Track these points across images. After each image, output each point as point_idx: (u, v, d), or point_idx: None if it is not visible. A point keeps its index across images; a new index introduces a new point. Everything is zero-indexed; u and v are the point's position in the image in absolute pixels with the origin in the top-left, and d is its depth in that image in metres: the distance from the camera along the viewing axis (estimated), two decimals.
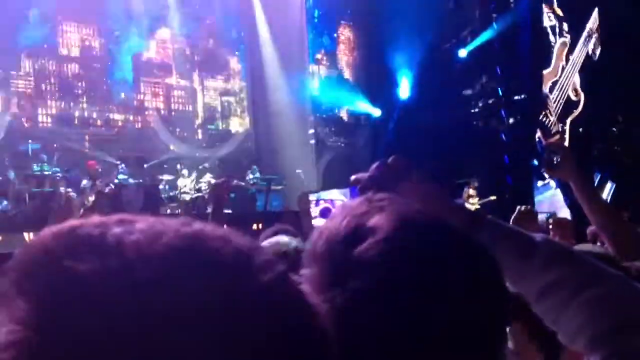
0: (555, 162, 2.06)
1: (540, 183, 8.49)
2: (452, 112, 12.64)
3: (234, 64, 15.92)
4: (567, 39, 8.91)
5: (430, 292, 0.67)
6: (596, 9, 8.34)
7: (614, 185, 8.51)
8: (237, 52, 15.90)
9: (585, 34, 8.41)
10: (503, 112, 13.31)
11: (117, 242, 0.41)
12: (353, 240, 0.69)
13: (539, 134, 9.61)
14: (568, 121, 8.75)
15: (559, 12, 9.15)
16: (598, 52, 8.28)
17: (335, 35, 16.57)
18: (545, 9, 9.41)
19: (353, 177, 0.99)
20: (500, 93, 13.36)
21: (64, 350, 0.38)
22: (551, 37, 9.35)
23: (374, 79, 15.42)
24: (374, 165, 0.98)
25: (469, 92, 12.64)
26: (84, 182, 10.50)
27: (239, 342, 0.40)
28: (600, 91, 8.60)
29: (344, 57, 16.66)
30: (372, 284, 0.66)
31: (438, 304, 0.67)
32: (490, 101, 13.43)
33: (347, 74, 16.59)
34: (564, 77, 8.83)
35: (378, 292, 0.66)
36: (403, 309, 0.66)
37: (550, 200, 9.34)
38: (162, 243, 0.42)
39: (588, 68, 8.57)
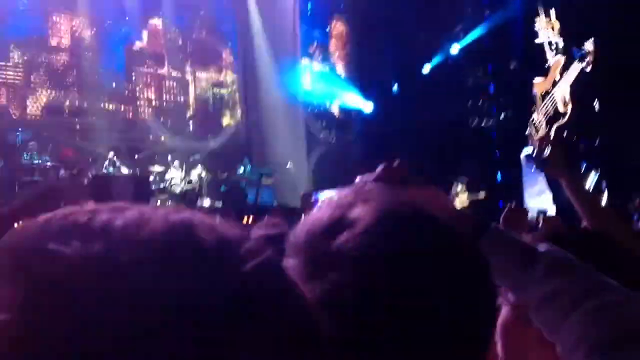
0: (545, 158, 2.07)
1: (534, 168, 8.55)
2: (443, 108, 12.65)
3: (226, 55, 15.87)
4: (563, 57, 9.07)
5: (408, 287, 0.66)
6: (592, 39, 8.55)
7: (598, 175, 8.67)
8: (229, 44, 15.84)
9: (581, 54, 8.61)
10: (494, 109, 13.33)
11: (103, 227, 0.42)
12: (334, 231, 0.68)
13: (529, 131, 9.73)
14: (554, 127, 8.90)
15: (557, 25, 9.24)
16: (589, 69, 8.52)
17: (327, 29, 16.53)
18: (544, 24, 9.49)
19: (358, 179, 0.98)
20: (492, 90, 13.38)
21: (46, 331, 0.38)
22: (548, 55, 9.47)
23: (366, 74, 15.40)
24: (380, 167, 0.97)
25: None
26: (62, 172, 10.44)
27: (218, 329, 0.40)
28: (589, 106, 8.89)
29: (337, 51, 16.62)
30: (350, 277, 0.65)
31: (417, 300, 0.66)
32: (481, 98, 13.45)
33: (339, 68, 16.56)
34: (555, 90, 9.02)
35: (355, 285, 0.65)
36: (380, 304, 0.65)
37: (542, 185, 9.44)
38: (148, 229, 0.42)
39: (579, 85, 8.78)
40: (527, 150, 9.65)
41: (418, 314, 0.66)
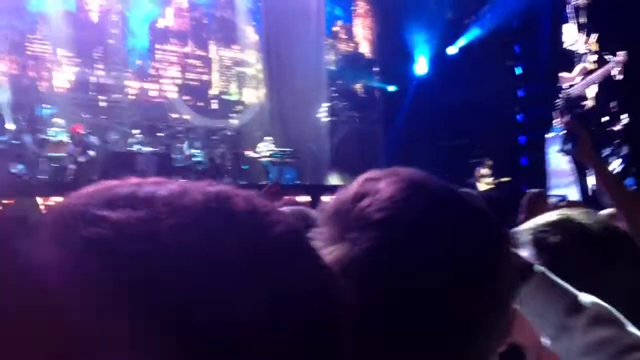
0: (573, 143, 2.07)
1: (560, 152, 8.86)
2: (468, 90, 12.54)
3: (251, 34, 15.84)
4: (593, 65, 9.30)
5: (426, 255, 0.67)
6: (626, 51, 8.75)
7: (623, 163, 8.82)
8: (253, 23, 15.80)
9: (611, 64, 8.82)
10: (520, 92, 13.18)
11: (147, 197, 0.46)
12: (359, 198, 0.70)
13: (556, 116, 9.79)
14: (575, 115, 9.15)
15: (595, 47, 9.42)
16: (620, 77, 8.74)
17: (352, 8, 16.41)
18: (580, 37, 9.63)
19: None
20: (518, 72, 13.22)
21: (93, 292, 0.41)
22: (576, 57, 9.65)
23: (390, 54, 15.30)
24: None
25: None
26: (71, 147, 10.51)
27: (250, 289, 0.44)
28: (609, 101, 9.13)
29: (361, 31, 16.51)
30: (370, 238, 0.66)
31: (435, 268, 0.67)
32: (507, 80, 13.29)
33: (363, 48, 16.46)
34: (579, 86, 9.27)
35: (376, 248, 0.66)
36: (399, 268, 0.66)
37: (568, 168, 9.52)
38: (188, 198, 0.46)
39: (606, 89, 9.04)
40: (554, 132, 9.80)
41: (431, 281, 0.66)
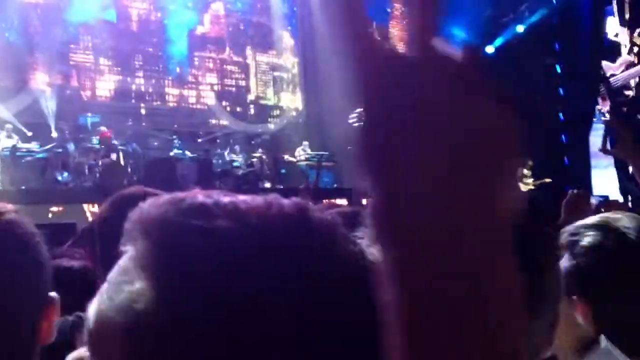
0: (612, 139, 2.04)
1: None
2: (507, 89, 12.33)
3: (287, 39, 15.92)
4: (636, 58, 9.19)
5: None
6: None
7: None
8: (289, 27, 15.88)
9: None
10: (561, 90, 12.92)
11: (234, 208, 0.48)
12: None
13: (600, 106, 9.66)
14: (616, 103, 9.05)
15: (639, 41, 9.29)
16: None
17: (388, 10, 16.33)
18: (623, 30, 9.53)
19: None
20: (559, 70, 12.96)
21: (178, 288, 0.44)
22: (621, 50, 9.55)
23: None
24: None
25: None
26: (100, 151, 10.60)
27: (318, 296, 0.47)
28: None
29: (398, 32, 16.42)
30: None
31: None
32: (548, 78, 13.05)
33: (399, 50, 16.35)
34: (622, 76, 9.18)
35: None
36: None
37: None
38: (273, 210, 0.49)
39: None
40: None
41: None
